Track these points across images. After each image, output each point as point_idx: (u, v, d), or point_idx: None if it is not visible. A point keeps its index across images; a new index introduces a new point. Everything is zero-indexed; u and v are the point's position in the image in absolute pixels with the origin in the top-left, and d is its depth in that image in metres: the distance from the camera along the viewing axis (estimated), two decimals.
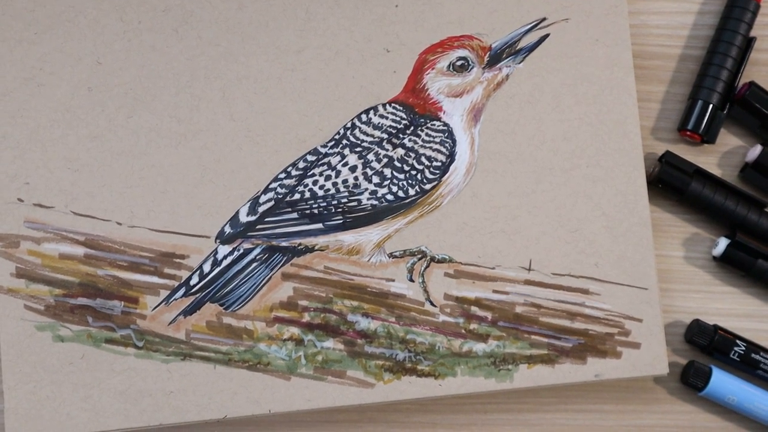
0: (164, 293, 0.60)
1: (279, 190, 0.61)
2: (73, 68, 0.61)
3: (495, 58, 0.62)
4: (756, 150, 0.63)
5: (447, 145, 0.61)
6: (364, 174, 0.61)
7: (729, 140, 0.65)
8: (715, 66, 0.63)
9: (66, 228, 0.60)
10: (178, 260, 0.60)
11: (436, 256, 0.61)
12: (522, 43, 0.62)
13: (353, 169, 0.61)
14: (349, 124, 0.61)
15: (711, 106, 0.63)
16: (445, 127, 0.61)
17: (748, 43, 0.64)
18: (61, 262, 0.60)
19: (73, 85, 0.61)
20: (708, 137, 0.63)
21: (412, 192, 0.61)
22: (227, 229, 0.60)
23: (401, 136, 0.61)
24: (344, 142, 0.61)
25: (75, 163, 0.61)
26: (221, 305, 0.60)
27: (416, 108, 0.61)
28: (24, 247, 0.60)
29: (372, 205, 0.61)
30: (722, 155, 0.65)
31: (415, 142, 0.61)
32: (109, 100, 0.61)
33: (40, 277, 0.60)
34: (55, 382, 0.59)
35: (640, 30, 0.65)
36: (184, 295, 0.60)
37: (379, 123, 0.61)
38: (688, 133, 0.63)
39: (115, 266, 0.60)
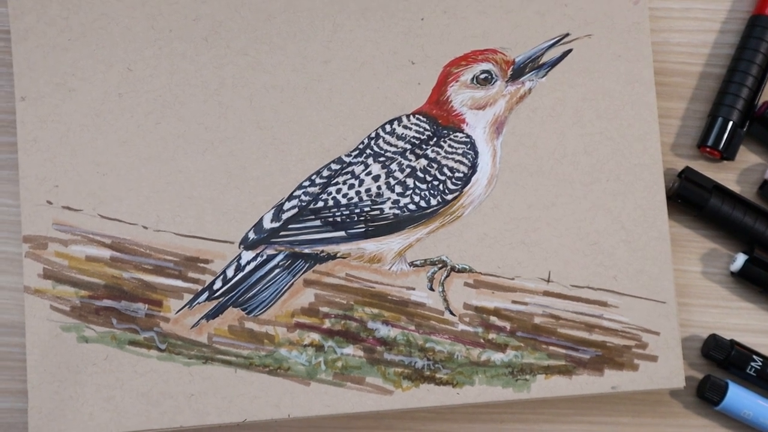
0: (188, 297, 0.61)
1: (303, 197, 0.62)
2: (104, 74, 0.62)
3: (518, 72, 0.63)
4: None
5: (469, 156, 0.62)
6: (387, 183, 0.62)
7: (748, 157, 0.65)
8: (735, 84, 0.64)
9: (93, 231, 0.61)
10: (202, 264, 0.61)
11: (457, 266, 0.61)
12: (545, 58, 0.63)
13: (376, 178, 0.62)
14: (373, 134, 0.62)
15: (731, 123, 0.63)
16: (468, 139, 0.62)
17: None
18: (87, 264, 0.61)
19: (103, 90, 0.62)
20: (727, 154, 0.64)
21: (434, 202, 0.62)
22: (251, 235, 0.61)
23: (424, 146, 0.62)
24: (368, 151, 0.62)
25: (103, 167, 0.62)
26: (243, 310, 0.61)
27: (439, 119, 0.62)
28: (52, 248, 0.61)
29: (394, 214, 0.61)
30: (741, 172, 0.65)
31: (438, 153, 0.62)
32: (138, 106, 0.62)
33: (66, 279, 0.61)
34: (79, 383, 0.60)
35: (662, 47, 0.66)
36: (207, 299, 0.61)
37: (402, 134, 0.62)
38: (708, 149, 0.64)
39: (140, 269, 0.61)
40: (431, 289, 0.61)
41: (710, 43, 0.66)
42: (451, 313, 0.61)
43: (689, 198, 0.63)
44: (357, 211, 0.61)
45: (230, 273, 0.61)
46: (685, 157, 0.65)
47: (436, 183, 0.62)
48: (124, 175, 0.62)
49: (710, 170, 0.65)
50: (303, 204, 0.62)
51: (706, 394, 0.62)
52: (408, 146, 0.62)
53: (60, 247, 0.61)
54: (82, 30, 0.63)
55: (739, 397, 0.62)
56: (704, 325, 0.64)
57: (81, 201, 0.61)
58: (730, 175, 0.65)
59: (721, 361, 0.63)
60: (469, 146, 0.62)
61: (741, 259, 0.63)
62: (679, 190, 0.63)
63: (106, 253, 0.61)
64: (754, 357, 0.62)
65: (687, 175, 0.64)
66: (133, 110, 0.62)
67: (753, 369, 0.62)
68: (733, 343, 0.63)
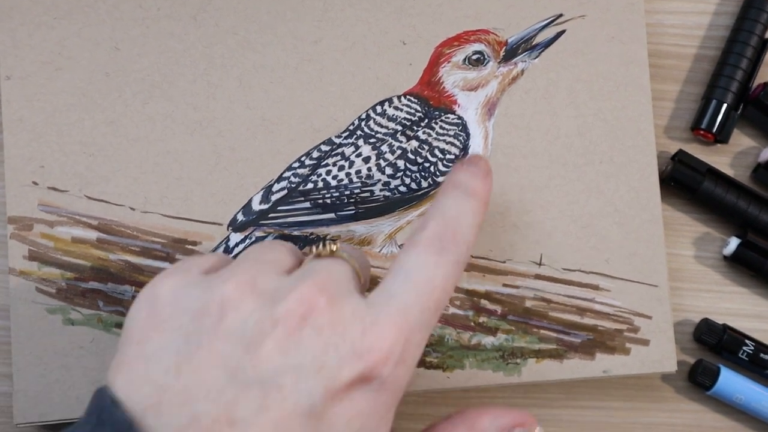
0: None
1: (292, 179, 0.61)
2: (91, 53, 0.61)
3: (511, 53, 0.62)
4: None
5: (461, 138, 0.61)
6: (378, 165, 0.61)
7: (742, 140, 0.65)
8: (729, 66, 0.63)
9: (79, 212, 0.61)
10: (190, 246, 0.61)
11: None
12: (538, 39, 0.62)
13: (367, 160, 0.61)
14: (363, 115, 0.61)
15: (725, 106, 0.63)
16: (460, 121, 0.61)
17: (764, 44, 0.64)
18: (73, 245, 0.61)
19: (90, 70, 0.61)
20: (721, 137, 0.63)
21: (425, 184, 0.61)
22: (240, 217, 0.61)
23: (415, 128, 0.61)
24: (358, 132, 0.61)
25: (90, 148, 0.61)
26: None
27: (431, 101, 0.62)
28: (37, 230, 0.60)
29: (385, 196, 0.61)
30: (735, 155, 0.65)
31: (429, 135, 0.61)
32: (125, 86, 0.61)
33: (52, 260, 0.60)
34: (65, 366, 0.60)
35: (656, 29, 0.65)
36: None
37: (393, 115, 0.61)
38: (702, 132, 0.63)
39: (127, 251, 0.61)
40: None
41: (705, 25, 0.65)
42: None
43: (682, 181, 0.63)
44: (347, 192, 0.61)
45: None
46: (679, 139, 0.65)
47: (427, 165, 0.61)
48: (111, 156, 0.61)
49: (704, 153, 0.64)
50: (292, 185, 0.61)
51: (698, 379, 0.62)
52: (399, 127, 0.61)
53: (46, 229, 0.60)
54: (68, 8, 0.62)
55: (731, 381, 0.61)
56: (696, 309, 0.64)
57: (67, 182, 0.61)
58: (724, 158, 0.65)
59: (714, 346, 0.62)
60: (460, 128, 0.61)
61: (734, 242, 0.63)
62: (673, 173, 0.63)
63: (93, 235, 0.61)
64: (747, 341, 0.62)
65: (680, 157, 0.63)
66: (120, 90, 0.61)
67: (745, 353, 0.62)
68: (725, 328, 0.62)
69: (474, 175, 0.47)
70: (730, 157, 0.65)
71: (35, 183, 0.61)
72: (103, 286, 0.60)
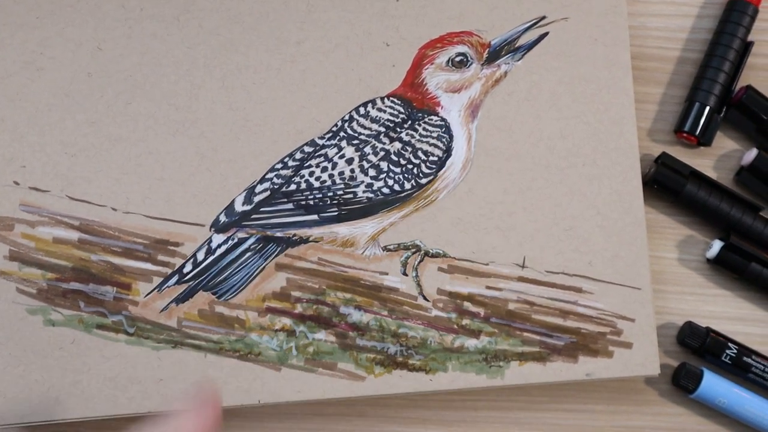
0: (157, 280, 0.60)
1: (275, 180, 0.61)
2: (73, 53, 0.61)
3: (494, 54, 0.62)
4: (751, 153, 0.63)
5: (444, 140, 0.61)
6: (361, 167, 0.61)
7: (725, 143, 0.65)
8: (712, 69, 0.63)
9: (61, 212, 0.60)
10: (172, 247, 0.60)
11: (431, 251, 0.61)
12: (521, 41, 0.62)
13: (350, 161, 0.61)
14: (347, 117, 0.61)
15: (708, 108, 0.63)
16: (443, 122, 0.61)
17: (746, 47, 0.64)
18: (55, 246, 0.60)
19: (72, 70, 0.61)
20: (704, 140, 0.63)
21: (408, 186, 0.61)
22: (222, 218, 0.60)
23: (399, 129, 0.61)
24: (342, 134, 0.61)
25: (72, 148, 0.61)
26: (214, 294, 0.60)
27: (414, 102, 0.62)
28: (18, 230, 0.60)
29: (368, 197, 0.61)
30: (718, 158, 0.65)
31: (412, 137, 0.61)
32: (108, 86, 0.61)
33: (33, 261, 0.60)
34: (45, 367, 0.59)
35: (639, 32, 0.65)
36: (177, 282, 0.60)
37: (376, 116, 0.61)
38: (685, 135, 0.63)
39: (108, 252, 0.60)
40: (405, 274, 0.61)
41: (688, 28, 0.65)
42: (425, 298, 0.61)
43: (665, 184, 0.63)
44: (330, 194, 0.61)
45: (201, 256, 0.60)
46: (662, 142, 0.65)
47: (410, 167, 0.61)
48: (93, 156, 0.61)
49: (687, 156, 0.64)
50: (275, 187, 0.61)
51: (681, 382, 0.62)
52: (382, 129, 0.61)
53: (27, 229, 0.60)
54: (50, 7, 0.61)
55: (714, 384, 0.61)
56: (680, 312, 0.64)
57: (49, 182, 0.60)
58: (707, 161, 0.65)
59: (697, 349, 0.62)
60: (443, 129, 0.61)
61: (717, 245, 0.63)
62: (656, 176, 0.63)
63: (74, 235, 0.60)
64: (730, 345, 0.62)
65: (663, 160, 0.63)
66: (102, 90, 0.61)
67: (728, 357, 0.62)
68: (708, 331, 0.62)
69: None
70: (713, 160, 0.65)
71: (16, 183, 0.60)
72: (84, 286, 0.60)
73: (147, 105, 0.61)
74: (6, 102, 0.61)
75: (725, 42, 0.63)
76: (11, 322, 0.59)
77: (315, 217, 0.61)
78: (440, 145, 0.61)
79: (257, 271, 0.60)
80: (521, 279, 0.61)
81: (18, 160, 0.60)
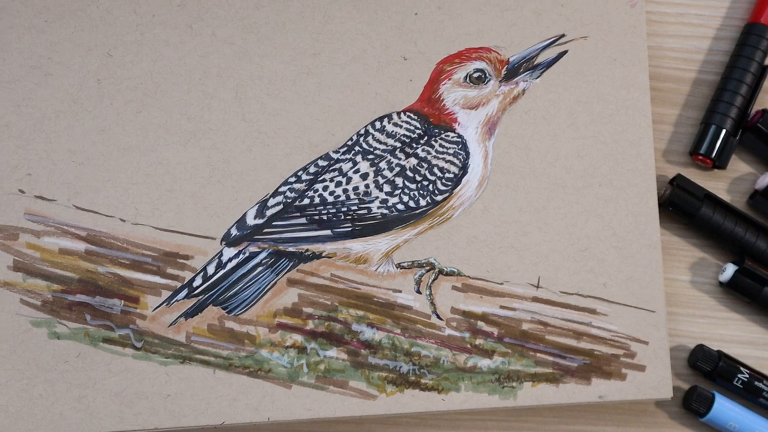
0: (166, 294, 0.59)
1: (288, 194, 0.60)
2: (82, 59, 0.60)
3: (512, 72, 0.61)
4: (766, 177, 0.63)
5: (460, 157, 0.60)
6: (376, 182, 0.60)
7: (740, 167, 0.65)
8: (729, 92, 0.63)
9: (67, 222, 0.59)
10: (181, 261, 0.59)
11: (445, 269, 0.60)
12: (540, 59, 0.62)
13: (364, 176, 0.60)
14: (362, 131, 0.60)
15: (724, 131, 0.63)
16: (459, 139, 0.61)
17: (763, 70, 0.64)
18: (60, 257, 0.59)
19: (81, 76, 0.60)
20: (719, 162, 0.63)
21: (423, 203, 0.60)
22: (234, 231, 0.59)
23: (414, 145, 0.60)
24: (357, 148, 0.60)
25: (80, 156, 0.59)
26: (224, 309, 0.59)
27: (431, 118, 0.61)
28: (23, 239, 0.58)
29: (382, 213, 0.60)
30: (732, 181, 0.65)
31: (429, 153, 0.60)
32: (118, 94, 0.60)
33: (38, 272, 0.58)
34: (49, 381, 0.58)
35: (656, 52, 0.65)
36: (187, 296, 0.59)
37: (392, 131, 0.60)
38: (700, 157, 0.63)
39: (116, 264, 0.59)
40: (418, 291, 0.60)
41: (704, 50, 0.65)
42: (438, 317, 0.60)
43: (680, 206, 0.62)
44: (344, 209, 0.60)
45: (211, 270, 0.59)
46: (677, 164, 0.65)
47: (425, 183, 0.60)
48: (101, 165, 0.59)
49: (701, 178, 0.64)
50: (288, 201, 0.60)
51: (693, 405, 0.61)
52: (398, 144, 0.60)
53: (32, 239, 0.58)
54: (60, 11, 0.60)
55: (725, 409, 0.61)
56: (691, 335, 0.64)
57: (55, 191, 0.59)
58: (721, 184, 0.65)
59: (708, 372, 0.62)
60: (460, 146, 0.61)
61: (730, 269, 0.63)
62: (671, 198, 0.62)
63: (81, 246, 0.59)
64: (742, 369, 0.62)
65: (679, 182, 0.63)
66: (112, 97, 0.60)
67: (740, 381, 0.62)
68: (720, 355, 0.62)
69: None
70: (727, 183, 0.65)
71: (22, 191, 0.59)
72: (90, 299, 0.58)
73: (158, 114, 0.60)
74: (12, 107, 0.59)
75: (742, 65, 0.63)
76: (15, 335, 0.58)
77: (328, 232, 0.60)
78: (456, 161, 0.60)
79: (269, 286, 0.59)
80: (535, 299, 0.60)
81: (23, 167, 0.59)
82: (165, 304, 0.59)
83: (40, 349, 0.58)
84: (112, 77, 0.60)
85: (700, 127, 0.64)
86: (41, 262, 0.59)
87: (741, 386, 0.62)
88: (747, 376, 0.62)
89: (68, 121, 0.59)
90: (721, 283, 0.63)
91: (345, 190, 0.60)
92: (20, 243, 0.58)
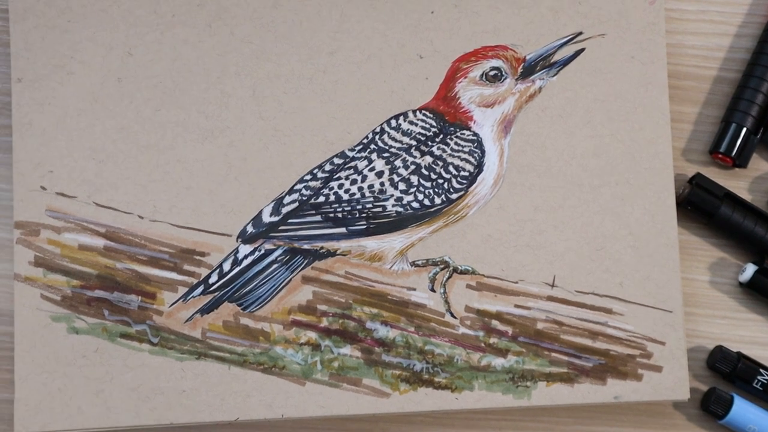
0: (182, 290, 0.60)
1: (304, 191, 0.60)
2: (103, 58, 0.61)
3: (529, 70, 0.61)
4: None
5: (476, 155, 0.60)
6: (391, 180, 0.60)
7: (761, 165, 0.64)
8: (750, 89, 0.62)
9: (87, 219, 0.60)
10: (198, 257, 0.60)
11: (459, 267, 0.60)
12: (557, 57, 0.61)
13: (380, 174, 0.60)
14: (378, 129, 0.60)
15: (744, 129, 0.62)
16: (475, 137, 0.61)
17: None
18: (80, 252, 0.60)
19: (102, 75, 0.61)
20: (740, 161, 0.62)
21: (438, 201, 0.60)
22: (249, 229, 0.60)
23: (430, 143, 0.60)
24: (372, 146, 0.60)
25: (100, 154, 0.60)
26: (239, 305, 0.60)
27: (447, 116, 0.61)
28: (44, 235, 0.60)
29: (397, 211, 0.60)
30: (753, 180, 0.64)
31: (444, 151, 0.60)
32: (137, 92, 0.60)
33: (58, 267, 0.59)
34: (68, 375, 0.59)
35: (676, 49, 0.64)
36: (203, 293, 0.60)
37: (408, 129, 0.60)
38: (720, 156, 0.63)
39: (134, 260, 0.60)
40: (432, 290, 0.60)
41: (725, 47, 0.64)
42: (452, 315, 0.60)
43: (699, 205, 0.62)
44: (359, 207, 0.60)
45: (227, 267, 0.60)
46: (696, 162, 0.64)
47: (440, 181, 0.60)
48: (120, 163, 0.60)
49: (721, 177, 0.63)
50: (304, 198, 0.60)
51: (711, 407, 0.61)
52: (413, 142, 0.60)
53: (52, 235, 0.60)
54: (82, 11, 0.61)
55: (744, 411, 0.60)
56: (710, 336, 0.63)
57: (76, 188, 0.60)
58: (742, 183, 0.64)
59: (727, 374, 0.61)
60: (475, 144, 0.61)
61: (750, 269, 0.62)
62: (690, 197, 0.62)
63: (100, 242, 0.60)
64: (762, 371, 0.61)
65: (698, 181, 0.62)
66: (132, 96, 0.60)
67: (759, 383, 0.61)
68: (740, 356, 0.61)
69: None
70: (748, 182, 0.64)
71: (43, 188, 0.60)
72: (109, 294, 0.59)
73: (176, 112, 0.60)
74: (35, 106, 0.60)
75: (764, 62, 0.62)
76: (35, 329, 0.59)
77: (343, 230, 0.60)
78: (472, 160, 0.60)
79: (283, 284, 0.60)
80: (550, 298, 0.60)
81: (45, 164, 0.60)
82: (181, 300, 0.59)
83: (60, 343, 0.59)
84: (132, 76, 0.61)
85: (721, 125, 0.63)
86: (61, 257, 0.60)
87: (761, 388, 0.61)
88: (767, 378, 0.61)
89: (89, 119, 0.60)
90: (740, 284, 0.63)
91: (360, 188, 0.60)
92: (41, 239, 0.60)
